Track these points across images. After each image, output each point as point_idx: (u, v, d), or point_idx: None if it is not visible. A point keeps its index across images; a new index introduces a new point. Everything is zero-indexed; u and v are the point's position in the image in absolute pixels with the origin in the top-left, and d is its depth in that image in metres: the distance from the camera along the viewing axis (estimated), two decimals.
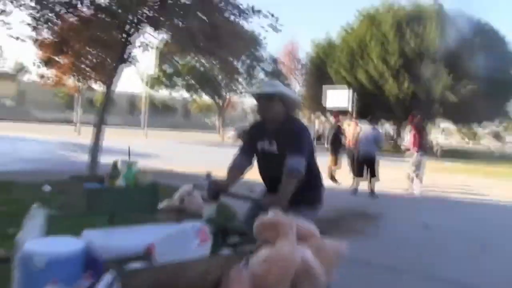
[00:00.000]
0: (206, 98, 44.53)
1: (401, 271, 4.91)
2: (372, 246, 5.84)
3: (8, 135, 23.02)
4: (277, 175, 2.70)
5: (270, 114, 2.85)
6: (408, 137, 12.50)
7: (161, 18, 9.19)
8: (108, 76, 9.72)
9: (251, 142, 3.00)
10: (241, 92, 39.13)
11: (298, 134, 2.77)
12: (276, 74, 38.15)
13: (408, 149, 11.34)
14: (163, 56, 25.23)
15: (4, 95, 58.60)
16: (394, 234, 6.81)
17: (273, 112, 2.83)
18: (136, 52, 11.46)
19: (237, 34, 10.74)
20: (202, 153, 20.51)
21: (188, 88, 39.02)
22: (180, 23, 9.45)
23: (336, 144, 11.62)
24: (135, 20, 9.17)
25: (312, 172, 2.89)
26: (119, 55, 9.36)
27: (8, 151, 15.45)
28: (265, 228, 1.82)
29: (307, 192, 2.82)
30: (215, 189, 2.71)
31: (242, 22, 10.39)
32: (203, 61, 34.29)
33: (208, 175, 2.80)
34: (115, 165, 2.90)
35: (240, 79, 37.26)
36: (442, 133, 53.53)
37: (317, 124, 40.01)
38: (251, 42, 17.45)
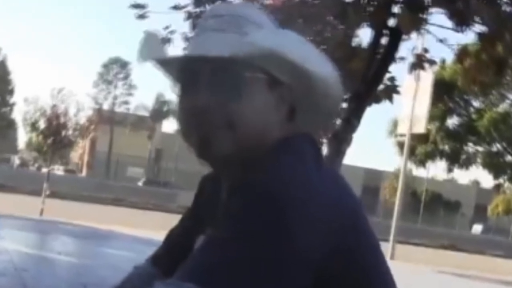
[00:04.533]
0: None
1: None
2: None
3: None
4: None
5: (224, 134, 0.64)
6: None
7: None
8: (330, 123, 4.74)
9: (196, 222, 0.84)
10: None
11: (249, 215, 0.55)
12: None
13: None
14: (445, 89, 12.87)
15: None
16: None
17: (240, 126, 0.64)
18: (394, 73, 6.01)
19: None
20: None
21: (489, 162, 21.64)
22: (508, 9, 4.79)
23: None
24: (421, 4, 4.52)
25: None
26: (365, 75, 4.70)
27: None
28: None
29: None
30: None
31: None
32: None
33: None
34: None
35: None
36: None
37: None
38: None
